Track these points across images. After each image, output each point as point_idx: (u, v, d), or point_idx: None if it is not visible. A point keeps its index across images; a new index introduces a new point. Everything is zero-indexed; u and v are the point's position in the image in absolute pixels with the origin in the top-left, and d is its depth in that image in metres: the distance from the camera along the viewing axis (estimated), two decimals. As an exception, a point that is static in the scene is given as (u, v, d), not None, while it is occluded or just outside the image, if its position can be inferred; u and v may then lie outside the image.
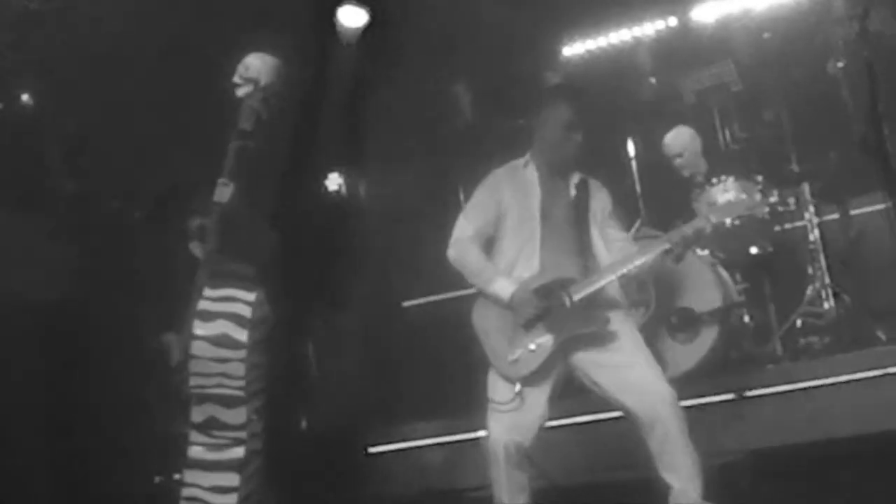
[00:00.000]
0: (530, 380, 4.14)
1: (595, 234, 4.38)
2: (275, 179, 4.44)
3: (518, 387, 4.13)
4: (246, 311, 4.23)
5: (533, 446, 4.16)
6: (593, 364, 4.18)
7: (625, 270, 4.25)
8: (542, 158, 4.46)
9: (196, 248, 4.43)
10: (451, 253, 4.39)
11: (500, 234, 4.38)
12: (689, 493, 3.97)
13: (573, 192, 4.43)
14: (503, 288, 4.21)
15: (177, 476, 4.22)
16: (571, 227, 4.37)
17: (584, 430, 5.34)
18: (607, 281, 4.24)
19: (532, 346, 4.13)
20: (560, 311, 4.16)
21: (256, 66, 4.48)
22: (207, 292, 4.25)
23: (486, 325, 4.25)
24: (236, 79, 4.47)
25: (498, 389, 4.17)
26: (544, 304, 4.16)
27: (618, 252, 4.34)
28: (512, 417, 4.11)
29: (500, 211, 4.38)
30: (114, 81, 6.31)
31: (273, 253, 4.41)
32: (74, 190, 6.23)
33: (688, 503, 3.97)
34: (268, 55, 4.54)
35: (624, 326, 4.26)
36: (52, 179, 6.26)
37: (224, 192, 4.26)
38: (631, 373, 4.11)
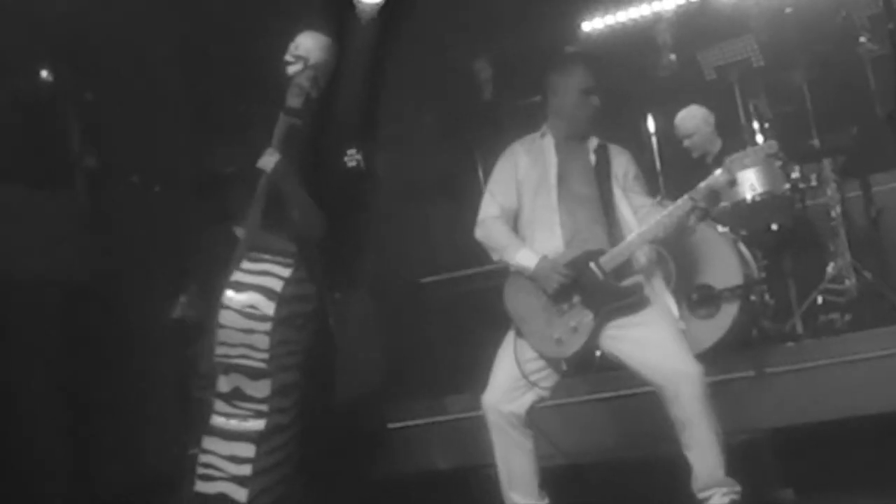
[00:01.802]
0: (573, 360, 4.13)
1: (619, 198, 4.31)
2: (317, 157, 4.44)
3: (565, 367, 4.13)
4: (277, 286, 4.24)
5: (530, 414, 4.18)
6: (619, 339, 4.14)
7: (653, 234, 4.20)
8: (559, 126, 4.41)
9: (238, 230, 4.42)
10: (479, 233, 4.35)
11: (521, 206, 4.34)
12: (712, 470, 3.97)
13: (593, 157, 4.37)
14: (528, 258, 4.17)
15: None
16: (594, 193, 4.30)
17: (606, 406, 5.33)
18: (637, 248, 4.20)
19: (573, 325, 4.10)
20: (594, 284, 4.12)
21: (307, 44, 4.50)
22: (245, 265, 4.28)
23: (520, 306, 4.21)
24: (287, 57, 4.49)
25: (543, 371, 4.16)
26: (571, 273, 4.11)
27: (645, 218, 4.27)
28: (511, 384, 4.13)
29: (517, 183, 4.34)
30: (133, 57, 6.32)
31: (319, 231, 4.40)
32: (94, 166, 6.25)
33: (711, 480, 3.97)
34: (319, 34, 4.54)
35: (653, 294, 4.24)
36: (72, 156, 6.28)
37: (269, 161, 4.27)
38: (656, 348, 4.07)
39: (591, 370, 5.11)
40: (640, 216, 4.29)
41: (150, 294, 5.90)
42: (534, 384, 4.13)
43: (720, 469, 3.97)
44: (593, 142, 4.41)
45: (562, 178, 4.31)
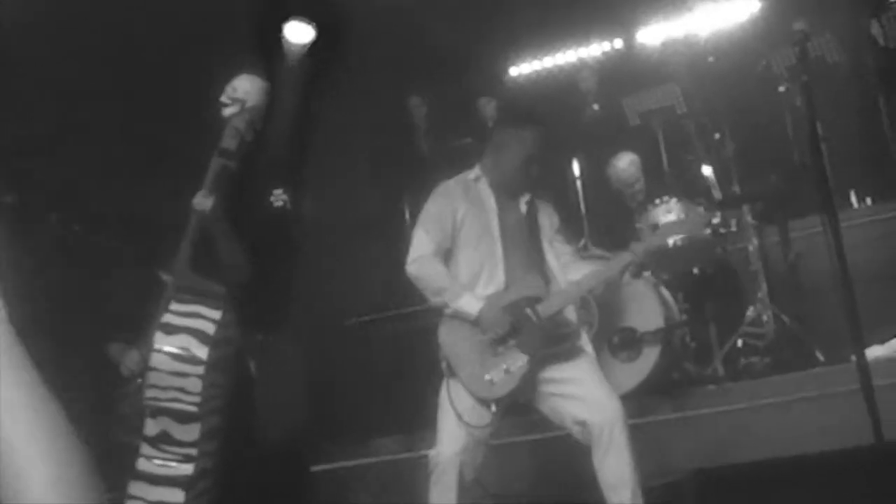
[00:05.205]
0: (504, 401, 4.12)
1: (547, 249, 4.40)
2: (245, 198, 4.40)
3: (494, 408, 4.11)
4: (210, 329, 4.18)
5: (481, 465, 4.16)
6: (548, 381, 4.17)
7: (590, 285, 4.30)
8: (495, 177, 4.44)
9: (164, 273, 4.35)
10: (413, 269, 4.30)
11: (457, 248, 4.33)
12: None
13: (524, 208, 4.44)
14: (470, 304, 4.17)
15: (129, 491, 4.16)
16: (526, 242, 4.37)
17: (532, 448, 5.34)
18: (574, 297, 4.29)
19: (507, 367, 4.10)
20: (530, 329, 4.14)
21: (245, 87, 4.48)
22: (174, 306, 4.21)
23: (455, 346, 4.20)
24: (224, 98, 4.46)
25: (477, 412, 4.11)
26: (513, 320, 4.14)
27: (566, 266, 4.37)
28: (466, 437, 4.10)
29: (455, 224, 4.33)
30: (58, 93, 6.24)
31: (246, 275, 4.36)
32: (12, 202, 6.13)
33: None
34: (256, 77, 4.52)
35: (584, 346, 4.31)
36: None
37: (205, 202, 4.21)
38: (582, 386, 4.11)
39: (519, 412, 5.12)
40: (563, 263, 4.39)
41: (68, 334, 5.79)
42: (466, 424, 4.11)
43: None
44: (525, 195, 4.47)
45: (503, 229, 4.36)
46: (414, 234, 4.39)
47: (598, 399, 4.08)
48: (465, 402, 4.13)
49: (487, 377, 4.10)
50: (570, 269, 4.38)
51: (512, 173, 4.41)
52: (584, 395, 4.10)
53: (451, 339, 4.22)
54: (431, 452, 4.20)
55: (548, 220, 4.48)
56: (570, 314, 4.35)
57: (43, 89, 6.25)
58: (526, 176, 4.42)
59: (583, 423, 4.07)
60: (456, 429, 4.11)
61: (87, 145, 6.30)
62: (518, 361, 4.12)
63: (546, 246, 4.40)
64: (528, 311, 4.16)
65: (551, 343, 4.16)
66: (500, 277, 4.26)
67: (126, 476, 4.15)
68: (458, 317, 4.21)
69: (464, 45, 8.08)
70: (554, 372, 4.17)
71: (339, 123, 7.79)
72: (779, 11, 7.63)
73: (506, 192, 4.44)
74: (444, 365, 4.22)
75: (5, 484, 1.05)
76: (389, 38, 7.88)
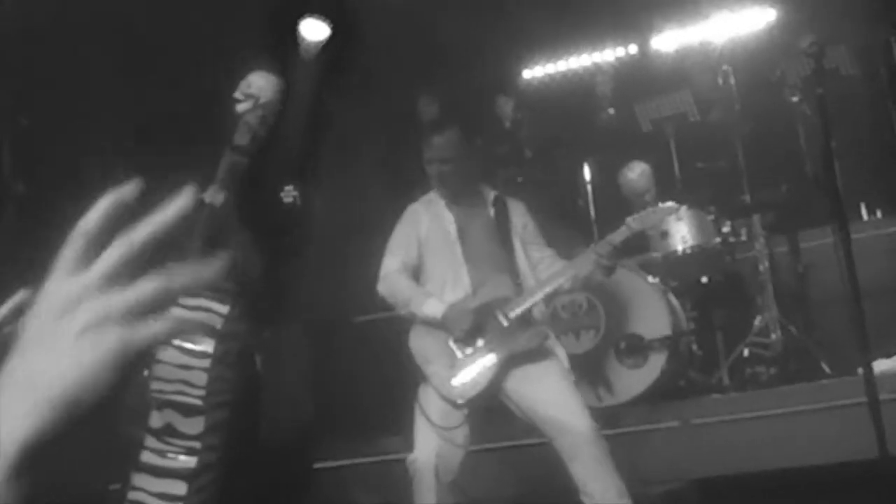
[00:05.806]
0: (475, 402, 4.14)
1: (519, 249, 4.44)
2: (256, 194, 4.43)
3: (466, 410, 4.13)
4: (216, 323, 4.19)
5: (461, 470, 4.17)
6: (517, 392, 4.19)
7: (556, 285, 4.32)
8: (442, 189, 4.57)
9: (173, 265, 4.35)
10: (381, 287, 4.46)
11: (424, 263, 4.44)
12: None
13: (491, 210, 4.51)
14: (435, 307, 4.24)
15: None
16: (495, 244, 4.43)
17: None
18: (543, 295, 4.32)
19: (476, 368, 4.13)
20: (498, 330, 4.19)
21: (259, 84, 4.50)
22: (182, 299, 4.21)
23: (425, 350, 4.27)
24: (237, 94, 4.48)
25: (446, 414, 4.15)
26: (479, 319, 4.18)
27: (544, 271, 4.40)
28: (439, 441, 4.11)
29: (420, 242, 4.45)
30: (68, 82, 6.26)
31: (257, 273, 4.38)
32: (25, 192, 6.15)
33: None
34: (270, 74, 4.55)
35: (554, 348, 4.33)
36: (2, 181, 6.19)
37: (217, 196, 4.23)
38: (551, 404, 4.12)
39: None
40: (543, 268, 4.42)
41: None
42: (435, 426, 4.13)
43: None
44: (490, 195, 4.56)
45: (463, 234, 4.44)
46: (383, 260, 4.53)
47: (566, 418, 4.07)
48: (435, 405, 4.17)
49: (456, 379, 4.14)
50: (548, 273, 4.40)
51: (432, 178, 4.53)
52: (553, 417, 4.10)
53: (420, 345, 4.31)
54: (409, 457, 4.23)
55: (520, 220, 4.53)
56: (537, 314, 4.39)
57: (56, 81, 6.28)
58: (433, 178, 4.52)
59: (552, 442, 4.09)
60: (429, 433, 4.14)
61: (100, 138, 6.33)
62: (487, 362, 4.16)
63: (518, 247, 4.45)
64: (497, 312, 4.21)
65: (519, 344, 4.19)
66: (464, 281, 4.34)
67: (130, 468, 4.17)
68: (426, 322, 4.27)
69: (477, 46, 8.08)
70: (522, 385, 4.19)
71: (352, 121, 7.81)
72: (794, 21, 7.62)
73: (460, 196, 4.52)
74: (418, 372, 4.29)
75: None
76: (403, 39, 7.89)
